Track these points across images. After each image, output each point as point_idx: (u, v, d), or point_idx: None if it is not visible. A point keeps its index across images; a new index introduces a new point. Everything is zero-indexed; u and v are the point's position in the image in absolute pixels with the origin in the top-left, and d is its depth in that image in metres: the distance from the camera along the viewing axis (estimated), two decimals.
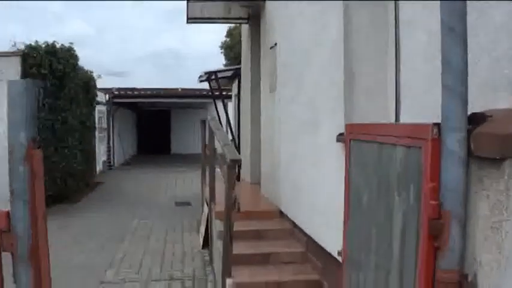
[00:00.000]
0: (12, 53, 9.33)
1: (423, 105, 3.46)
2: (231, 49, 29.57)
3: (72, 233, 8.94)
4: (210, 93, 24.63)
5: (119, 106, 22.37)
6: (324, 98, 5.14)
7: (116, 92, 21.76)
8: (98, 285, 6.08)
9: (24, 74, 9.58)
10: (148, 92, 23.38)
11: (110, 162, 20.80)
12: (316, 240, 5.48)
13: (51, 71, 10.29)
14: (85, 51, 54.75)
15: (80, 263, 7.00)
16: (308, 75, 5.72)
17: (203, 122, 7.75)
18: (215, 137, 6.45)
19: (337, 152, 4.48)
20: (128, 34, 76.67)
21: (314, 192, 5.54)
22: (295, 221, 6.48)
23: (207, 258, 7.26)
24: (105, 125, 20.36)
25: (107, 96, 20.78)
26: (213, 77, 12.71)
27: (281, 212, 7.20)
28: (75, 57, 11.80)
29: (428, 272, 2.13)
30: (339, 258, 3.94)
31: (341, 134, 4.40)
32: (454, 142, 2.01)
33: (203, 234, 7.99)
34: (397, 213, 2.52)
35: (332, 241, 5.01)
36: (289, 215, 6.82)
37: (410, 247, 2.32)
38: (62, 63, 10.73)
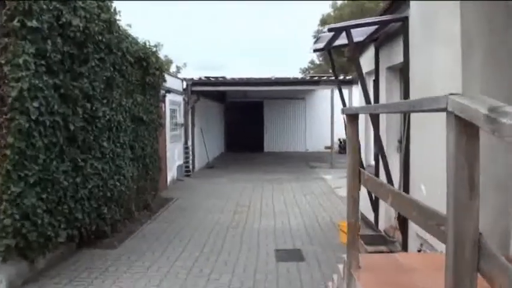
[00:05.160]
0: None
1: None
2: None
3: None
4: (329, 73, 19.81)
5: (200, 96, 17.95)
6: None
7: (196, 78, 17.37)
8: None
9: (2, 30, 5.10)
10: (237, 79, 18.81)
11: (187, 167, 16.43)
12: None
13: (59, 27, 5.77)
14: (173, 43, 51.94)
15: None
16: None
17: (353, 117, 2.89)
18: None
19: None
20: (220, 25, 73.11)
21: None
22: None
23: None
24: (181, 120, 15.99)
25: (184, 83, 16.41)
26: (335, 43, 7.65)
27: None
28: (111, 12, 7.23)
29: None
30: None
31: None
32: None
33: None
34: None
35: None
36: None
37: None
38: (82, 17, 6.19)
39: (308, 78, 19.64)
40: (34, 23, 5.19)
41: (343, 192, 13.03)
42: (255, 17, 78.43)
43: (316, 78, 20.17)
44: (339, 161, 19.48)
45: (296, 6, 58.52)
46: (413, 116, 5.97)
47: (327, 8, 42.96)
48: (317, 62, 44.63)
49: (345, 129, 3.58)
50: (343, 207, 11.18)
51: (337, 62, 37.71)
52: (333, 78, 18.72)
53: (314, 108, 26.65)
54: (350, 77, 16.76)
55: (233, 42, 68.95)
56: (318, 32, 36.56)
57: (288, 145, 27.35)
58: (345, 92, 15.86)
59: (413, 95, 5.70)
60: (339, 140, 23.67)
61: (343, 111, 3.65)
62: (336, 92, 19.18)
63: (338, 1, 28.51)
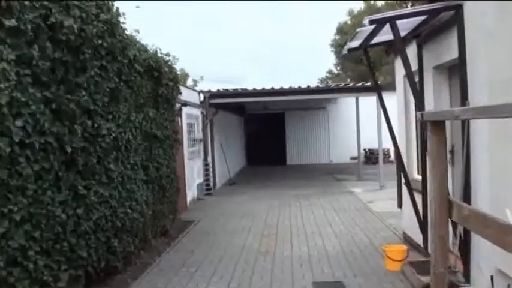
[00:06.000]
0: None
1: None
2: (343, 47, 24.20)
3: None
4: (348, 82, 18.90)
5: (218, 109, 17.00)
6: None
7: (214, 90, 16.42)
8: None
9: None
10: (257, 89, 17.82)
11: (208, 185, 15.40)
12: None
13: (48, 29, 4.83)
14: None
15: None
16: None
17: (438, 125, 1.85)
18: None
19: None
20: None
21: None
22: None
23: None
24: (199, 135, 15.01)
25: (202, 96, 15.48)
26: (373, 40, 6.56)
27: None
28: (113, 13, 6.27)
29: None
30: None
31: None
32: None
33: None
34: None
35: None
36: None
37: None
38: (76, 17, 5.24)
39: (333, 86, 18.57)
40: (13, 22, 4.23)
41: (376, 207, 11.89)
42: (272, 22, 77.55)
43: (341, 85, 19.12)
44: (366, 173, 18.39)
45: (312, 13, 57.56)
46: (475, 122, 4.88)
47: (343, 16, 42.09)
48: (335, 71, 43.60)
49: (426, 141, 2.53)
50: (381, 225, 10.08)
51: (356, 70, 36.15)
52: (358, 85, 17.72)
53: (337, 117, 25.57)
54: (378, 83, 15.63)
55: (249, 50, 68.30)
56: (335, 41, 35.48)
57: (312, 157, 26.25)
58: (372, 99, 14.80)
59: (480, 95, 4.61)
60: (364, 150, 22.51)
61: (423, 117, 2.56)
62: (361, 100, 18.10)
63: (357, 2, 27.51)
